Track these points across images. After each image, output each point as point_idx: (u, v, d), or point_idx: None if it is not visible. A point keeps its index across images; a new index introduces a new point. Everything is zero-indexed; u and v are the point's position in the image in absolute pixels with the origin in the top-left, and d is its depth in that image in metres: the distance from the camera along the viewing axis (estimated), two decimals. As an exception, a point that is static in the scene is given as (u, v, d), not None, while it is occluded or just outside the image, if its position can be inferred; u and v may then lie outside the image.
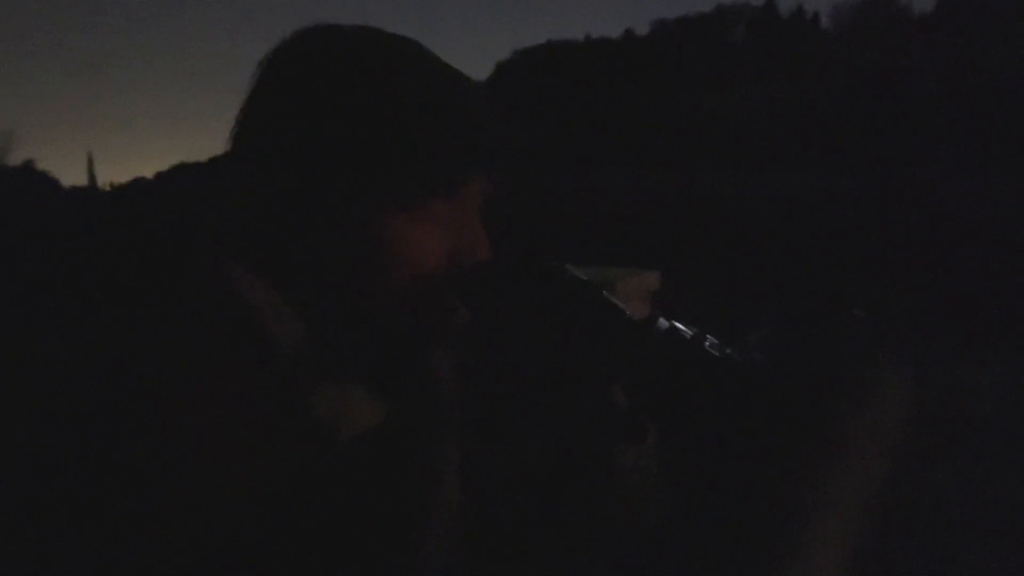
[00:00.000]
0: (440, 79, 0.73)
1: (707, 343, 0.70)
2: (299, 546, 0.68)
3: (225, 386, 0.68)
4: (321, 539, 0.69)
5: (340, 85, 0.69)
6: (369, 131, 0.69)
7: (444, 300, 0.73)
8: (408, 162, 0.69)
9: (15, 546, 0.64)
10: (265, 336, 0.70)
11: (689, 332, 0.71)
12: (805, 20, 62.12)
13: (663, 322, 0.72)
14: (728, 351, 0.68)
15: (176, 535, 0.64)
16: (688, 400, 0.68)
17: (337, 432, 0.72)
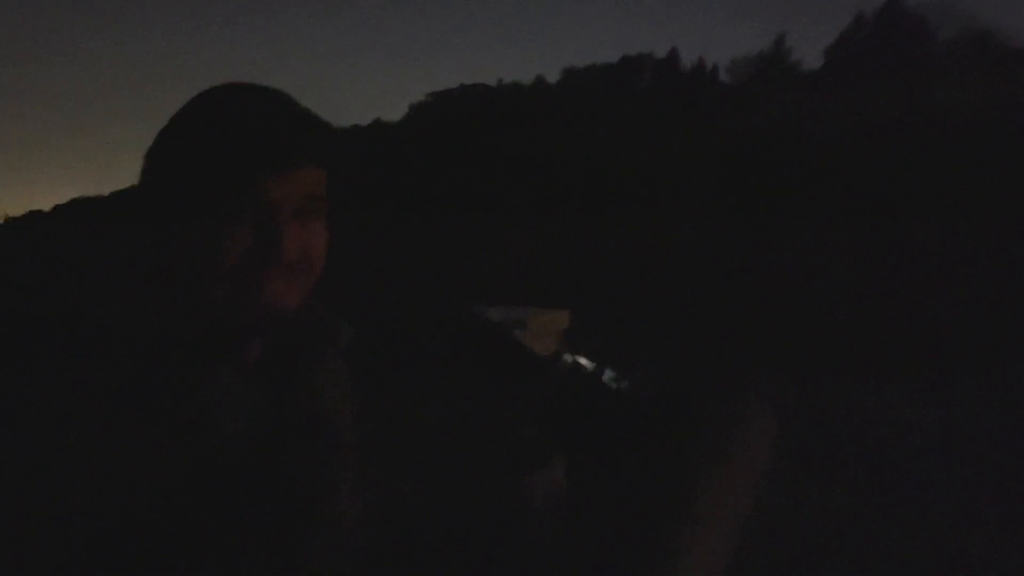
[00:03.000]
0: (234, 108, 0.83)
1: (605, 377, 0.76)
2: (184, 535, 0.73)
3: (110, 393, 0.75)
4: (204, 529, 0.74)
5: (177, 127, 0.83)
6: (176, 156, 0.82)
7: (263, 297, 0.79)
8: (191, 173, 0.80)
9: None
10: (147, 347, 0.79)
11: (590, 367, 0.77)
12: (705, 72, 64.56)
13: (567, 358, 0.78)
14: (624, 384, 0.75)
15: (65, 526, 0.70)
16: (589, 429, 0.74)
17: (220, 424, 0.78)
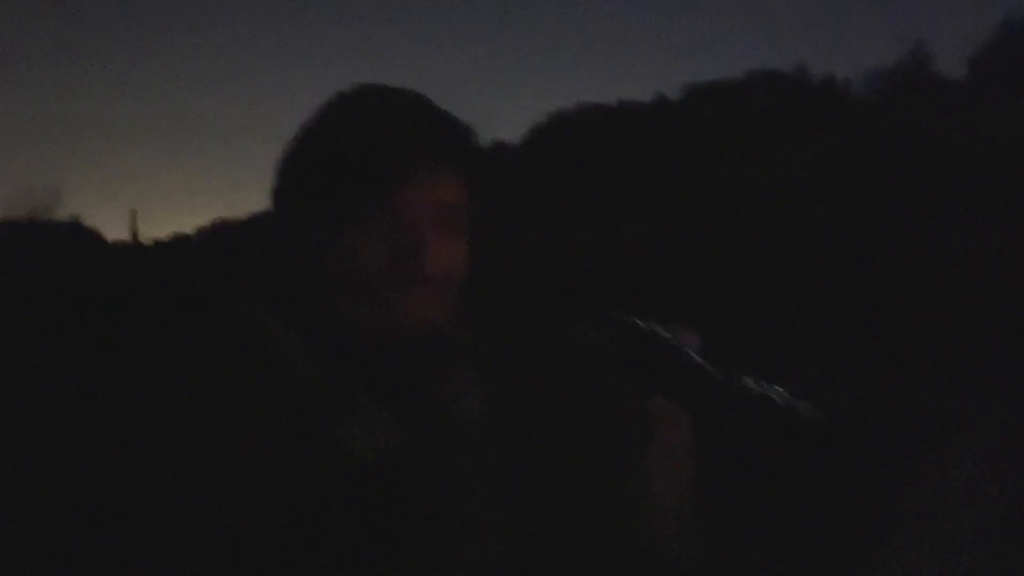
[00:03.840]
0: (371, 111, 0.78)
1: (799, 407, 0.69)
2: (323, 556, 0.71)
3: (246, 410, 0.73)
4: (344, 557, 0.71)
5: (311, 132, 0.80)
6: (309, 163, 0.78)
7: (406, 316, 0.75)
8: (325, 180, 0.76)
9: (37, 541, 0.73)
10: (282, 365, 0.76)
11: (780, 394, 0.70)
12: (836, 86, 62.54)
13: (748, 381, 0.72)
14: (820, 414, 0.68)
15: (198, 552, 0.69)
16: (780, 459, 0.68)
17: (358, 451, 0.75)
